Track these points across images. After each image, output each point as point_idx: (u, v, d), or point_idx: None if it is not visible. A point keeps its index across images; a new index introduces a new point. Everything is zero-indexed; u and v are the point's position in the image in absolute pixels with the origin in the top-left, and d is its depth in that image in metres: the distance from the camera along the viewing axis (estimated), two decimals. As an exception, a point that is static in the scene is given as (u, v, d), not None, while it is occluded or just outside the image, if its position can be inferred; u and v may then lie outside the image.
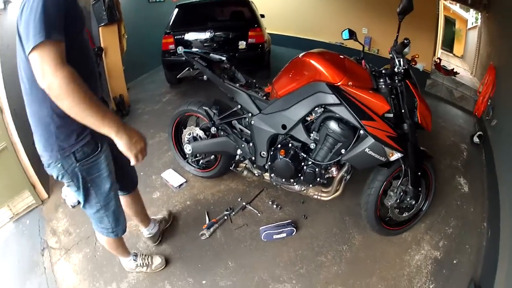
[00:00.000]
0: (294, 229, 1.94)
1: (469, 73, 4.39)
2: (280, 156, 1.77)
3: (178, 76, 2.19)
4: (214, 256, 1.87)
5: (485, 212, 2.07)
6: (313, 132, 1.70)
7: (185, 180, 2.44)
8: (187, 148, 2.19)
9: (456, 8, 5.70)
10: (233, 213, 2.11)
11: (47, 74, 0.91)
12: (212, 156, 2.32)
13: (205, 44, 3.81)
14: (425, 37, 4.23)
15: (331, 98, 1.56)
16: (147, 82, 4.81)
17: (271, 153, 1.84)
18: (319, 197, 1.90)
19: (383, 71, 1.65)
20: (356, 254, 1.84)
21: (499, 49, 2.96)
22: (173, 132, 2.39)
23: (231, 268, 1.80)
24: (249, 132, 1.92)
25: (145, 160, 2.42)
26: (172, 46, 3.81)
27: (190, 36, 3.86)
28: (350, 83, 1.55)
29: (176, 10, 3.99)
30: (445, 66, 4.21)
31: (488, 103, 2.90)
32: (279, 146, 1.81)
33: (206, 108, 2.05)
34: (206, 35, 3.76)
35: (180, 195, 2.32)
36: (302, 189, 1.90)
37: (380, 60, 5.10)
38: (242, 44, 3.82)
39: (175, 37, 3.82)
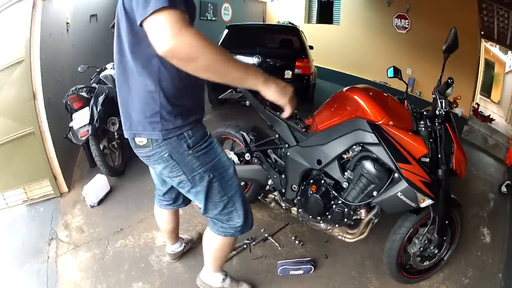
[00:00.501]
0: (312, 267, 1.90)
1: (503, 119, 4.30)
2: (311, 192, 1.74)
3: (219, 97, 2.21)
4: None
5: (502, 263, 2.03)
6: (348, 170, 1.68)
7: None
8: None
9: (496, 50, 5.61)
10: (254, 243, 2.08)
11: (172, 35, 0.81)
12: (242, 183, 2.29)
13: None
14: (465, 81, 4.19)
15: (370, 137, 1.53)
16: None
17: (302, 187, 1.82)
18: (343, 238, 1.86)
19: (424, 113, 1.63)
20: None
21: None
22: None
23: (242, 298, 1.76)
24: (283, 163, 1.90)
25: None
26: None
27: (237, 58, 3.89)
28: (391, 122, 1.53)
29: (226, 30, 3.99)
30: (482, 112, 4.13)
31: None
32: (311, 181, 1.79)
33: (244, 133, 2.05)
34: (254, 60, 3.75)
35: (204, 218, 2.29)
36: (328, 228, 1.86)
37: (422, 102, 5.09)
38: (288, 74, 3.80)
39: None
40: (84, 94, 2.51)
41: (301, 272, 1.88)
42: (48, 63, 2.48)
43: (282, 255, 2.03)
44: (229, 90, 2.10)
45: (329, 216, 1.77)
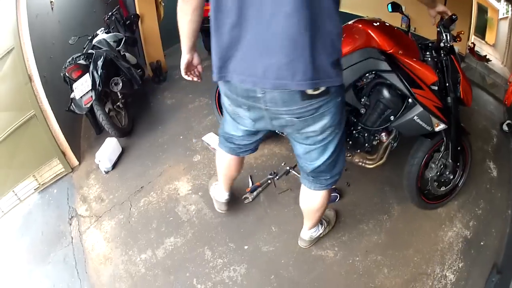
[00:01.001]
0: (338, 195, 2.01)
1: (500, 62, 4.43)
2: None
3: None
4: (256, 221, 1.93)
5: (510, 200, 2.14)
6: (364, 97, 1.76)
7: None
8: None
9: (488, -4, 5.75)
10: (277, 177, 2.16)
11: None
12: None
13: None
14: (460, 21, 4.19)
15: (383, 65, 1.61)
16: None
17: None
18: (364, 164, 1.95)
19: (430, 44, 1.72)
20: (395, 225, 1.90)
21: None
22: (216, 95, 2.44)
23: (274, 233, 1.86)
24: None
25: (185, 123, 2.57)
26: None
27: None
28: (400, 51, 1.61)
29: None
30: (478, 52, 4.25)
31: (520, 93, 2.94)
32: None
33: None
34: None
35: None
36: (348, 155, 1.95)
37: (418, 38, 5.15)
38: None
39: None
40: (82, 62, 2.49)
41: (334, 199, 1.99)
42: (38, 44, 2.47)
43: None
44: None
45: (350, 142, 1.86)
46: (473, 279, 1.69)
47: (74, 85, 2.44)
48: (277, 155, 2.39)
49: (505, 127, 2.91)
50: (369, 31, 1.66)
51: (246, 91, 1.06)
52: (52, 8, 2.93)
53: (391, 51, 1.61)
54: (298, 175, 2.14)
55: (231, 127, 1.42)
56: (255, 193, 2.04)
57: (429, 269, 1.71)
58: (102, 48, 2.71)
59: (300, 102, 1.03)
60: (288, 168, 2.21)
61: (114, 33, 3.05)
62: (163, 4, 3.59)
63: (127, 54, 3.03)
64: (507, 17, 6.22)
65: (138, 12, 3.34)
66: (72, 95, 2.47)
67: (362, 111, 1.77)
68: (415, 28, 5.21)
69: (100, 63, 2.47)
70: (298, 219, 1.87)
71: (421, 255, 1.76)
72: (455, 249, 1.81)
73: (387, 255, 1.76)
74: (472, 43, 4.31)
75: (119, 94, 2.67)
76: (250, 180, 2.16)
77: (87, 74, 2.41)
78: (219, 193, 1.87)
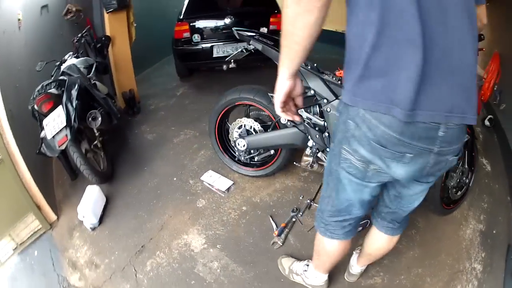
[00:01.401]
0: (368, 221, 1.93)
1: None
2: None
3: (227, 59, 2.11)
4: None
5: (508, 189, 2.31)
6: None
7: (232, 182, 2.29)
8: (241, 144, 2.07)
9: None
10: (301, 214, 2.03)
11: None
12: (272, 151, 2.20)
13: (224, 31, 3.66)
14: None
15: None
16: (154, 76, 4.50)
17: None
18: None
19: None
20: (424, 237, 1.94)
21: (503, 37, 3.29)
22: (216, 127, 2.25)
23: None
24: (319, 121, 1.85)
25: (174, 161, 2.42)
26: (187, 34, 3.60)
27: (207, 22, 3.69)
28: None
29: None
30: None
31: (494, 89, 3.23)
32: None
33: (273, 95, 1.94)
34: (226, 21, 3.62)
35: (232, 201, 2.17)
36: None
37: None
38: (263, 31, 3.76)
39: (190, 24, 3.62)
40: (53, 91, 2.11)
41: (360, 228, 1.89)
42: (3, 68, 2.11)
43: None
44: (240, 49, 2.01)
45: None
46: (496, 262, 1.82)
47: (45, 121, 2.04)
48: (291, 188, 2.27)
49: (486, 122, 3.12)
50: None
51: (427, 130, 0.82)
52: (19, 26, 2.54)
53: None
54: None
55: (352, 195, 1.04)
56: (283, 235, 1.88)
57: (461, 266, 1.79)
58: (73, 75, 2.32)
59: (463, 138, 0.91)
60: (308, 201, 2.11)
61: (85, 58, 2.67)
62: (134, 24, 3.28)
63: (97, 83, 2.66)
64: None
65: (109, 34, 3.01)
66: (42, 134, 2.07)
67: None
68: None
69: (74, 92, 2.10)
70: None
71: (451, 256, 1.83)
72: (475, 243, 1.93)
73: (425, 265, 1.78)
74: None
75: (95, 131, 2.30)
76: (272, 222, 2.00)
77: (60, 106, 2.03)
78: (315, 276, 1.57)
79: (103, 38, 2.96)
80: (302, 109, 1.87)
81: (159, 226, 2.04)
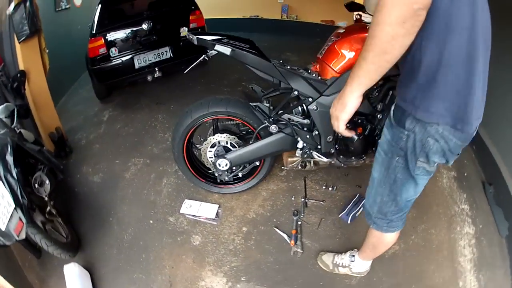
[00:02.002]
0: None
1: (370, 14, 5.26)
2: (357, 134, 1.77)
3: (189, 68, 1.85)
4: (328, 272, 1.78)
5: None
6: (379, 104, 1.80)
7: (217, 205, 2.14)
8: (222, 164, 1.91)
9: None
10: (302, 214, 2.04)
11: None
12: (257, 163, 2.09)
13: (143, 38, 3.29)
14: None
15: (397, 70, 1.69)
16: (71, 105, 3.77)
17: (340, 136, 1.84)
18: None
19: None
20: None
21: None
22: (184, 151, 2.02)
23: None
24: (304, 121, 1.84)
25: (139, 201, 2.27)
26: (103, 50, 3.15)
27: (124, 32, 3.28)
28: None
29: (100, 6, 3.30)
30: (364, 21, 5.01)
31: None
32: (348, 125, 1.82)
33: (256, 104, 1.83)
34: (144, 27, 3.26)
35: (227, 225, 2.04)
36: (367, 162, 2.00)
37: (302, 24, 5.71)
38: (184, 31, 3.50)
39: (106, 38, 3.16)
40: None
41: (362, 209, 2.03)
42: None
43: (333, 207, 2.13)
44: (203, 56, 1.76)
45: (374, 149, 1.90)
46: (478, 198, 2.18)
47: None
48: (279, 192, 2.26)
49: None
50: None
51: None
52: None
53: None
54: (318, 202, 2.16)
55: (417, 193, 1.21)
56: (298, 242, 1.87)
57: (452, 211, 2.10)
58: None
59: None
60: (302, 199, 2.14)
61: (4, 105, 2.06)
62: (47, 50, 2.69)
63: (22, 131, 2.12)
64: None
65: (23, 68, 2.43)
66: None
67: (379, 116, 1.81)
68: (296, 16, 5.73)
69: (10, 158, 1.66)
70: (353, 239, 1.91)
71: (441, 206, 2.14)
72: (454, 188, 2.27)
73: (425, 220, 2.05)
74: (358, 14, 4.98)
75: (45, 196, 1.87)
76: (280, 232, 1.96)
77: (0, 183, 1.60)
78: (362, 264, 1.71)
79: (18, 75, 2.34)
80: (286, 113, 1.83)
81: (167, 283, 1.80)
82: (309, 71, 1.82)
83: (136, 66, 3.30)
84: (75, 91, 4.12)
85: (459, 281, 1.78)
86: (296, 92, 1.74)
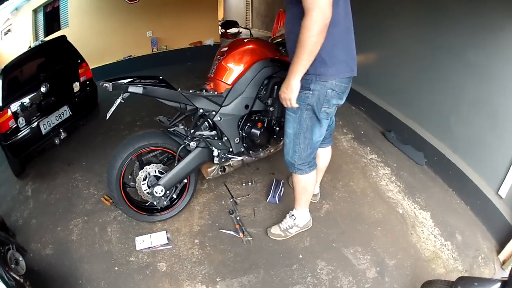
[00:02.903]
0: (282, 181, 2.62)
1: (244, 28, 5.95)
2: (259, 128, 2.26)
3: (109, 114, 2.03)
4: (283, 244, 2.20)
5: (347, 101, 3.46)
6: (269, 99, 2.31)
7: (164, 231, 2.39)
8: (158, 191, 2.19)
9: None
10: (237, 211, 2.45)
11: None
12: (185, 181, 2.40)
13: (43, 102, 3.34)
14: (209, 15, 5.84)
15: (277, 68, 2.21)
16: None
17: (244, 135, 2.29)
18: (275, 150, 2.61)
19: (280, 42, 2.50)
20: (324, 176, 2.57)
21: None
22: (122, 192, 2.24)
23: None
24: (211, 133, 2.24)
25: (97, 256, 2.44)
26: (12, 122, 3.10)
27: (26, 99, 3.28)
28: (277, 54, 2.28)
29: (1, 76, 3.25)
30: (229, 32, 5.64)
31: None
32: (249, 124, 2.28)
33: (174, 129, 2.19)
34: (43, 89, 3.32)
35: (181, 244, 2.30)
36: (272, 150, 2.50)
37: (172, 53, 6.22)
38: (76, 86, 3.67)
39: (12, 109, 3.13)
40: None
41: (283, 188, 2.56)
42: None
43: (259, 196, 2.61)
44: (120, 99, 1.99)
45: (275, 137, 2.38)
46: (382, 146, 2.83)
47: None
48: (209, 203, 2.63)
49: None
50: (258, 47, 2.24)
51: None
52: None
53: (277, 56, 2.24)
54: (244, 197, 2.61)
55: (325, 129, 1.86)
56: (245, 232, 2.25)
57: (362, 163, 2.76)
58: None
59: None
60: (231, 200, 2.58)
61: None
62: None
63: None
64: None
65: None
66: None
67: (271, 109, 2.31)
68: (166, 46, 6.22)
69: None
70: (288, 210, 2.27)
71: (350, 163, 2.82)
72: (356, 146, 2.96)
73: (336, 178, 2.66)
74: (221, 29, 5.67)
75: (19, 278, 1.89)
76: (227, 231, 2.32)
77: None
78: (303, 216, 2.18)
79: None
80: (196, 130, 2.21)
81: None
82: (206, 89, 2.24)
83: (43, 131, 3.34)
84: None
85: (397, 209, 2.31)
86: (201, 110, 2.14)
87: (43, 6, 6.44)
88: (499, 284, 1.31)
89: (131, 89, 1.95)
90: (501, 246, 2.09)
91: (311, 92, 1.68)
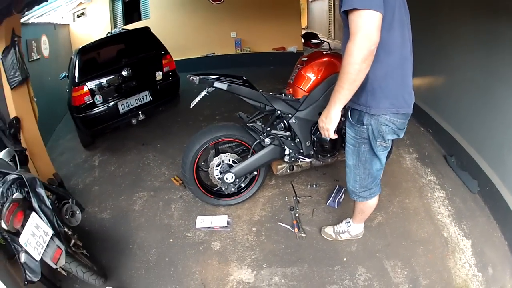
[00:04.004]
0: (343, 187, 2.84)
1: (325, 38, 6.35)
2: None
3: (193, 104, 2.35)
4: (332, 245, 2.43)
5: (416, 121, 3.68)
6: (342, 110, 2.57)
7: (226, 215, 2.72)
8: (229, 177, 2.53)
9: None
10: (298, 209, 2.73)
11: None
12: (255, 173, 2.73)
13: (124, 85, 3.87)
14: (293, 22, 6.38)
15: None
16: (55, 155, 4.07)
17: (315, 139, 2.57)
18: (344, 158, 2.80)
19: None
20: (382, 180, 2.65)
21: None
22: (194, 174, 2.61)
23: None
24: (286, 134, 2.54)
25: (155, 227, 2.79)
26: (88, 98, 3.67)
27: (105, 80, 3.82)
28: None
29: (78, 56, 3.81)
30: (312, 41, 6.01)
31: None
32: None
33: (253, 124, 2.53)
34: (124, 73, 3.85)
35: (239, 229, 2.62)
36: (339, 158, 2.76)
37: (255, 55, 6.78)
38: (159, 75, 4.18)
39: (90, 86, 3.68)
40: (17, 195, 1.85)
41: (344, 195, 2.79)
42: None
43: (320, 199, 2.87)
44: (205, 93, 2.31)
45: (343, 146, 2.64)
46: (442, 169, 3.00)
47: (22, 240, 1.76)
48: (273, 197, 2.96)
49: None
50: (334, 60, 2.49)
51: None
52: None
53: None
54: (307, 197, 2.86)
55: (384, 160, 1.90)
56: (300, 229, 2.52)
57: (421, 183, 2.91)
58: (10, 173, 1.98)
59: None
60: (294, 198, 2.85)
61: (6, 149, 2.37)
62: (35, 99, 3.09)
63: None
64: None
65: (16, 115, 2.80)
66: (22, 258, 1.79)
67: (343, 119, 2.54)
68: (249, 48, 6.72)
69: (41, 190, 1.88)
70: (345, 216, 2.49)
71: (409, 182, 2.97)
72: (418, 166, 3.10)
73: (398, 194, 2.83)
74: (302, 36, 6.04)
75: (68, 229, 2.06)
76: (284, 225, 2.61)
77: (33, 213, 1.80)
78: (357, 227, 2.38)
79: (14, 121, 2.71)
80: (272, 129, 2.53)
81: (201, 285, 2.27)
82: (285, 94, 2.58)
83: (121, 111, 3.87)
84: (55, 142, 4.57)
85: (443, 233, 2.46)
86: (278, 112, 2.46)
87: (121, -5, 7.27)
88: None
89: (217, 84, 2.28)
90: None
91: (365, 126, 1.72)
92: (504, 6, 2.40)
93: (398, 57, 1.56)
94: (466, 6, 2.92)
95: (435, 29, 3.45)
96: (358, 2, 1.33)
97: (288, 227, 2.58)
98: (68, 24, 7.34)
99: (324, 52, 2.65)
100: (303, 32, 5.81)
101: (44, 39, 5.15)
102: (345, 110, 1.85)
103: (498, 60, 2.55)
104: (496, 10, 2.53)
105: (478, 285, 2.14)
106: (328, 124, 1.71)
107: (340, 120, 2.52)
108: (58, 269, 1.89)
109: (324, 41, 3.20)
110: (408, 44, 1.59)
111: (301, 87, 2.53)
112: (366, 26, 1.35)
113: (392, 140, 1.80)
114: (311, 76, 2.51)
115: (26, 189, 1.86)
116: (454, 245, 2.39)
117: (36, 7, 4.18)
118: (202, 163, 2.76)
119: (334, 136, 1.76)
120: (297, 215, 2.67)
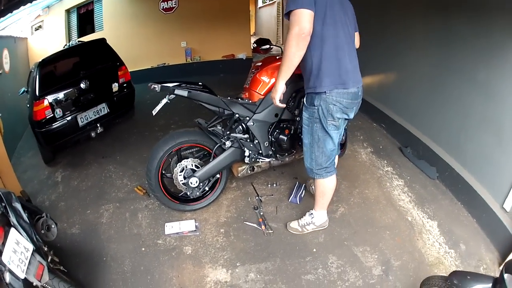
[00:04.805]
0: (303, 184, 3.09)
1: (274, 43, 6.54)
2: (285, 135, 2.75)
3: (155, 111, 2.45)
4: (300, 238, 2.61)
5: (368, 117, 3.98)
6: (296, 110, 2.81)
7: (193, 219, 2.86)
8: (193, 181, 2.68)
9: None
10: (262, 208, 2.93)
11: None
12: (218, 176, 2.89)
13: (82, 97, 3.92)
14: (242, 30, 6.66)
15: (301, 83, 2.53)
16: (18, 173, 3.73)
17: (273, 139, 2.79)
18: (301, 156, 3.02)
19: None
20: (340, 173, 2.90)
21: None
22: (160, 181, 2.73)
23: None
24: (244, 136, 2.74)
25: (125, 238, 2.84)
26: (48, 112, 3.68)
27: (65, 93, 3.84)
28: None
29: (38, 69, 3.82)
30: (262, 47, 6.28)
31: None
32: (277, 130, 2.78)
33: (213, 129, 2.69)
34: (82, 86, 3.92)
35: (208, 232, 2.77)
36: (297, 156, 2.98)
37: (205, 64, 6.98)
38: (115, 87, 4.28)
39: (50, 100, 3.70)
40: None
41: (304, 190, 3.03)
42: None
43: (282, 197, 3.11)
44: (166, 100, 2.45)
45: (299, 144, 2.86)
46: (398, 160, 3.32)
47: (4, 258, 1.66)
48: (236, 199, 3.16)
49: None
50: None
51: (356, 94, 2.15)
52: None
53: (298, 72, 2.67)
54: (268, 196, 3.09)
55: (336, 140, 2.25)
56: (267, 226, 2.72)
57: (378, 174, 3.23)
58: None
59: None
60: (256, 198, 3.07)
61: None
62: (0, 114, 3.11)
63: None
64: (273, 2, 10.04)
65: None
66: (7, 279, 1.69)
67: (298, 119, 2.80)
68: (200, 57, 6.90)
69: (17, 205, 1.89)
70: (307, 210, 2.69)
71: (367, 174, 3.30)
72: (374, 159, 3.43)
73: (358, 185, 3.13)
74: (253, 43, 6.28)
75: (44, 244, 2.06)
76: (251, 224, 2.80)
77: (13, 229, 1.77)
78: (320, 216, 2.60)
79: None
80: (232, 132, 2.71)
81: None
82: (241, 98, 2.79)
83: (80, 124, 3.92)
84: (17, 160, 4.51)
85: (406, 217, 2.74)
86: (237, 115, 2.66)
87: (76, 8, 7.24)
88: (491, 280, 1.45)
89: (178, 91, 2.44)
90: (503, 258, 2.35)
91: (316, 107, 2.12)
92: (453, 2, 2.71)
93: (333, 45, 2.01)
94: (418, 3, 3.23)
95: (387, 28, 3.75)
96: (294, 5, 1.86)
97: (255, 225, 2.77)
98: (27, 38, 7.28)
99: (278, 57, 2.88)
100: (256, 38, 6.08)
101: (5, 53, 5.07)
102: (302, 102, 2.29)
103: (450, 55, 2.85)
104: (446, 7, 2.83)
105: (452, 261, 2.38)
106: (274, 94, 2.16)
107: (295, 120, 2.79)
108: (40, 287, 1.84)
109: (274, 46, 3.43)
110: (342, 35, 2.04)
111: (257, 91, 2.75)
112: (299, 20, 1.85)
113: (345, 129, 2.17)
114: (266, 80, 2.74)
115: (3, 204, 1.84)
116: (420, 227, 2.65)
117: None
118: (164, 171, 2.87)
119: (281, 105, 2.24)
120: (261, 213, 2.87)
